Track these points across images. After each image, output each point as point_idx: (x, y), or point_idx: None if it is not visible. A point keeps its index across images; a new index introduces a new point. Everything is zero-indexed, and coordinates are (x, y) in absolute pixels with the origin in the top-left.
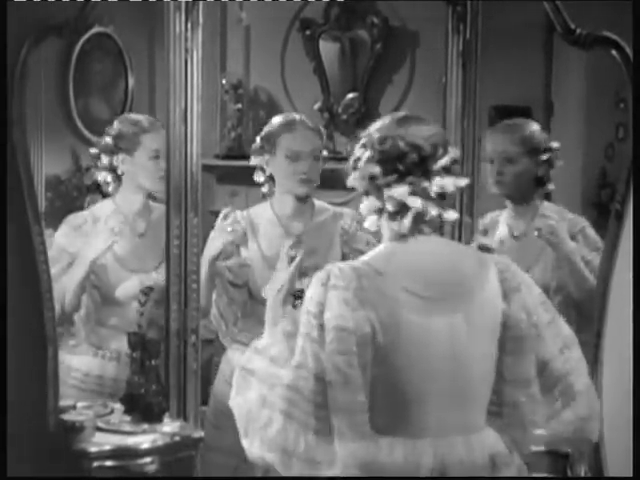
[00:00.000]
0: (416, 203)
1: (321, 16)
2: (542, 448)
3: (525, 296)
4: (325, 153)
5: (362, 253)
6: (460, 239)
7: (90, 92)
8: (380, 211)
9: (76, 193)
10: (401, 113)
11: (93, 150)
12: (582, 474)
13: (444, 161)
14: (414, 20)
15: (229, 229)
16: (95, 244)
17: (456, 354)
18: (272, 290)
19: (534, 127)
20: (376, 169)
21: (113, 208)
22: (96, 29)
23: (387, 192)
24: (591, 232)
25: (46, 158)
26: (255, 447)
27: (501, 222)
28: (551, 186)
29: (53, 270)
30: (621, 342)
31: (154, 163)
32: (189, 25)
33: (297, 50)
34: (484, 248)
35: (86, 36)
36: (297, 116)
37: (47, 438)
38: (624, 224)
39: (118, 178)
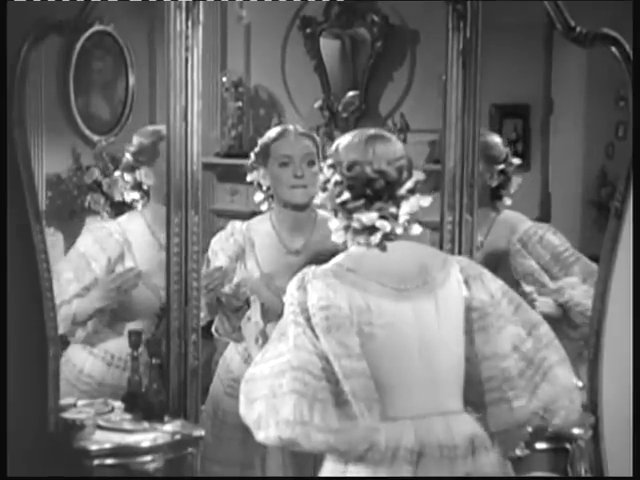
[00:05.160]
0: (385, 226)
1: (321, 14)
2: (544, 446)
3: (487, 283)
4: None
5: None
6: (460, 237)
7: (91, 90)
8: (347, 228)
9: (76, 192)
10: (369, 131)
11: (116, 173)
12: (582, 473)
13: (409, 185)
14: (414, 18)
15: (231, 241)
16: (105, 291)
17: (424, 338)
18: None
19: (494, 139)
20: (346, 195)
21: (141, 222)
22: (97, 27)
23: (356, 215)
24: (552, 237)
25: (46, 157)
26: (271, 431)
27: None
28: (508, 201)
29: (70, 274)
30: (621, 341)
31: None
32: (189, 23)
33: (297, 48)
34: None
35: (87, 34)
36: (290, 126)
37: (47, 438)
38: (624, 223)
39: (146, 194)
